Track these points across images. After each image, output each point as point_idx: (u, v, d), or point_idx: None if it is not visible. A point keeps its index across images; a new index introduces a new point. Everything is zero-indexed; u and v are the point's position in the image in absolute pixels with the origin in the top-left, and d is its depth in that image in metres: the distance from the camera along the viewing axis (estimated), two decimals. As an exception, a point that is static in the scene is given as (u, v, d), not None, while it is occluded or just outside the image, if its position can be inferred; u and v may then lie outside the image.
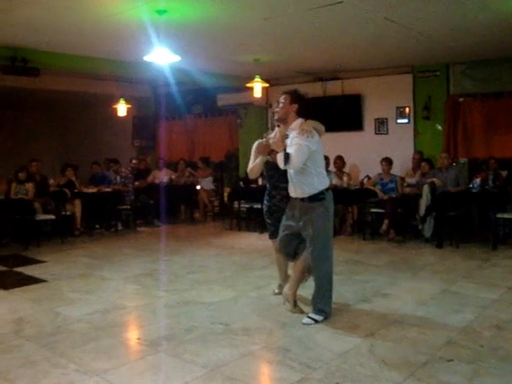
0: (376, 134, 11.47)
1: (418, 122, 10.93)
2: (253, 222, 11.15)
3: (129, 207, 11.55)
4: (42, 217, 9.95)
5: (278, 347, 4.55)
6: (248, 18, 7.16)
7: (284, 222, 5.32)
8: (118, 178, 11.69)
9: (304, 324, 5.06)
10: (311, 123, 5.06)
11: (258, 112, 13.00)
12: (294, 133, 4.99)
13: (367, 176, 10.42)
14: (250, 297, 6.11)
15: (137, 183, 12.00)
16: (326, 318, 5.13)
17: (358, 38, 8.40)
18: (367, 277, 6.95)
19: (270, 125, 12.98)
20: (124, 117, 13.15)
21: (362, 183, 10.45)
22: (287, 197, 5.34)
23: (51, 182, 11.05)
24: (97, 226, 11.24)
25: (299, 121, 5.04)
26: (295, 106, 5.04)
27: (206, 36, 8.07)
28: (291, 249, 5.35)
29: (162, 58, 7.39)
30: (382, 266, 7.54)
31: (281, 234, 5.37)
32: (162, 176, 12.56)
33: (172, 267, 7.78)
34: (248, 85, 10.94)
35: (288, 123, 5.10)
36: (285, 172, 5.19)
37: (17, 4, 6.34)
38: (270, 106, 12.78)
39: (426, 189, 9.05)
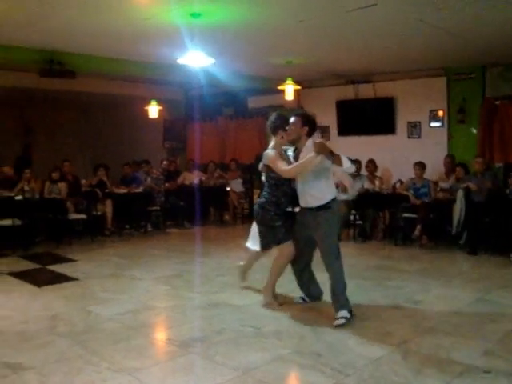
0: (409, 137, 11.35)
1: (452, 125, 10.76)
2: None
3: (159, 208, 11.60)
4: (73, 216, 10.07)
5: (309, 352, 4.50)
6: (282, 20, 7.13)
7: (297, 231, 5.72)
8: (149, 179, 11.74)
9: (336, 326, 5.11)
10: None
11: (289, 114, 12.93)
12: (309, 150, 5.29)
13: (399, 180, 10.32)
14: (281, 300, 6.04)
15: (167, 184, 12.05)
16: (350, 312, 5.29)
17: (391, 40, 8.31)
18: (399, 283, 6.85)
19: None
20: (155, 118, 13.24)
21: (394, 187, 10.34)
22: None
23: (83, 182, 11.16)
24: (127, 227, 11.31)
25: (310, 142, 5.38)
26: (306, 129, 5.48)
27: (239, 38, 8.07)
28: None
29: (195, 60, 7.40)
30: (413, 272, 7.43)
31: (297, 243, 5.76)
32: (192, 178, 12.58)
33: (202, 269, 7.79)
34: (280, 87, 10.91)
35: (300, 144, 5.53)
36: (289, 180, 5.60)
37: (53, 9, 6.43)
38: (302, 108, 12.74)
39: (460, 194, 8.90)
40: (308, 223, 5.52)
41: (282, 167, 5.41)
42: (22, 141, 15.31)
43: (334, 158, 5.13)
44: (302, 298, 6.02)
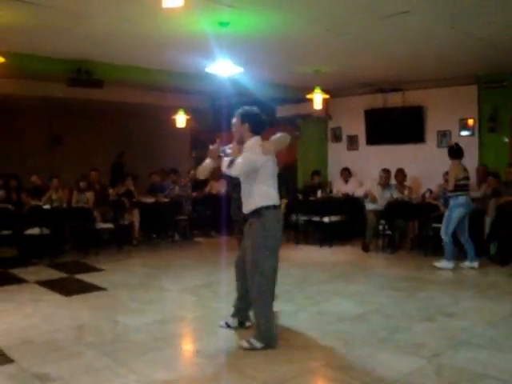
0: (438, 146, 11.20)
1: (483, 134, 10.59)
2: (311, 234, 11.00)
3: (186, 217, 11.58)
4: (101, 225, 10.10)
5: (339, 365, 4.42)
6: (311, 30, 7.09)
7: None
8: (177, 188, 11.75)
9: (243, 347, 4.79)
10: (273, 141, 5.13)
11: (317, 123, 12.89)
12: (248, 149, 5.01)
13: (429, 190, 10.15)
14: (310, 312, 5.99)
15: (194, 194, 12.05)
16: (265, 347, 4.78)
17: (421, 48, 8.22)
18: (430, 294, 6.71)
19: (329, 136, 12.87)
20: (182, 128, 13.26)
21: (423, 197, 10.18)
22: None
23: (110, 191, 11.20)
24: (154, 236, 11.31)
25: (254, 139, 5.02)
26: (246, 125, 5.04)
27: (267, 47, 8.05)
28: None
29: (224, 69, 7.38)
30: (445, 284, 7.30)
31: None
32: (220, 187, 12.54)
33: (229, 279, 7.67)
34: (308, 96, 10.84)
35: (246, 141, 5.07)
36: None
37: (81, 19, 6.49)
38: (330, 117, 12.69)
39: (491, 204, 8.72)
40: (245, 231, 5.08)
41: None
42: (117, 149, 15.51)
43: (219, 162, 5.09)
44: (227, 323, 5.46)
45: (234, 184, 5.45)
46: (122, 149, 15.66)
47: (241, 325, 5.38)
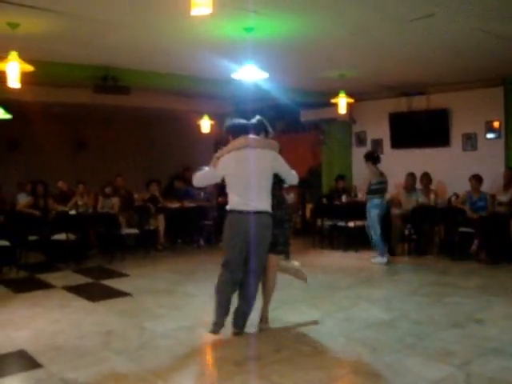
0: (464, 149, 11.09)
1: (510, 136, 10.45)
2: (336, 239, 10.95)
3: (211, 223, 11.59)
4: (126, 231, 10.15)
5: (367, 372, 4.38)
6: (335, 34, 7.07)
7: None
8: (202, 193, 11.76)
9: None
10: (228, 147, 5.36)
11: (342, 128, 12.83)
12: None
13: (455, 194, 10.05)
14: (337, 318, 5.94)
15: (220, 199, 12.04)
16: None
17: (447, 51, 8.13)
18: (458, 300, 6.63)
19: (354, 140, 12.80)
20: (207, 133, 13.29)
21: (449, 201, 10.08)
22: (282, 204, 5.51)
23: (136, 196, 11.26)
24: (179, 241, 11.34)
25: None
26: (230, 137, 5.40)
27: (291, 52, 8.04)
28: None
29: (249, 74, 7.38)
30: (473, 289, 7.19)
31: None
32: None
33: (255, 284, 7.70)
34: (332, 101, 10.80)
35: None
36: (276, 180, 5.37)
37: (108, 27, 6.55)
38: (354, 121, 12.63)
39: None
40: None
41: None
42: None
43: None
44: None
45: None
46: (149, 155, 15.76)
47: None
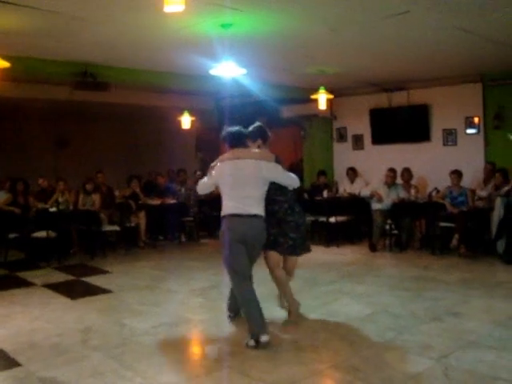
0: (444, 145, 11.17)
1: (489, 132, 10.55)
2: (318, 235, 10.96)
3: (192, 219, 11.57)
4: (107, 228, 10.10)
5: (347, 366, 4.39)
6: (314, 30, 7.06)
7: None
8: (183, 189, 11.74)
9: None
10: (220, 157, 5.52)
11: (323, 123, 12.87)
12: None
13: (435, 189, 10.11)
14: (318, 312, 5.96)
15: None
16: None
17: (425, 48, 8.18)
18: (438, 294, 6.67)
19: (334, 136, 12.82)
20: (188, 129, 13.26)
21: (430, 196, 10.14)
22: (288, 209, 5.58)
23: (117, 193, 11.20)
24: (160, 238, 11.31)
25: (229, 153, 5.44)
26: (226, 144, 5.52)
27: (270, 48, 8.03)
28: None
29: (228, 71, 7.37)
30: (453, 283, 7.24)
31: None
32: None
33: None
34: (312, 96, 10.83)
35: None
36: (279, 186, 5.46)
37: (86, 23, 6.48)
38: (335, 117, 12.66)
39: (498, 202, 8.68)
40: None
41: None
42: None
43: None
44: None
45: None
46: (129, 151, 15.71)
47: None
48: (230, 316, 5.72)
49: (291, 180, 5.50)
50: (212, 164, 5.52)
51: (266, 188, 5.29)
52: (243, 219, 5.20)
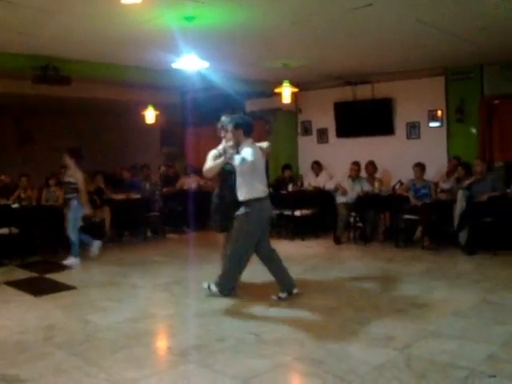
0: (408, 138, 11.30)
1: (451, 125, 10.71)
2: (283, 228, 11.00)
3: (157, 214, 11.51)
4: (71, 223, 9.95)
5: (310, 359, 4.43)
6: (276, 23, 7.06)
7: None
8: (148, 184, 11.66)
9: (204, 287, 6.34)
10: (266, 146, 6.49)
11: (287, 117, 12.89)
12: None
13: (399, 182, 10.22)
14: (282, 306, 5.98)
15: (165, 190, 11.97)
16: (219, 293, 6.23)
17: (388, 41, 8.25)
18: (401, 286, 6.77)
19: (299, 130, 12.87)
20: (152, 124, 13.17)
21: (394, 189, 10.24)
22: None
23: (81, 188, 11.05)
24: (126, 233, 11.22)
25: (249, 141, 6.11)
26: (240, 131, 6.08)
27: (234, 42, 8.00)
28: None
29: (190, 64, 7.34)
30: (416, 275, 7.33)
31: None
32: (190, 182, 12.48)
33: (201, 275, 7.67)
34: (277, 90, 10.84)
35: (242, 144, 6.10)
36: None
37: (48, 16, 6.37)
38: (300, 111, 12.70)
39: (460, 194, 8.81)
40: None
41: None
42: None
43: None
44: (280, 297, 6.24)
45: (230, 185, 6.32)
46: (93, 146, 15.54)
47: (290, 294, 6.22)
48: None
49: None
50: (229, 144, 6.07)
51: None
52: (268, 201, 6.19)
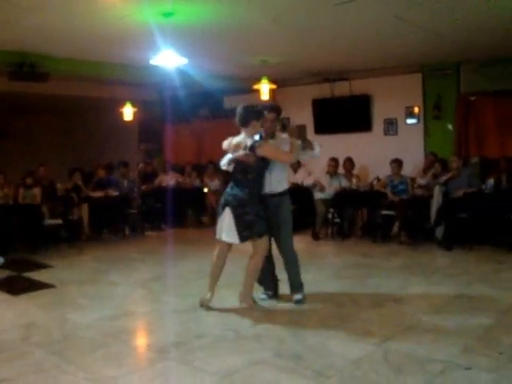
0: (385, 134, 11.39)
1: (428, 121, 10.83)
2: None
3: (136, 211, 11.46)
4: (49, 221, 9.89)
5: (290, 354, 4.45)
6: (255, 19, 7.09)
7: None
8: (126, 182, 11.60)
9: (296, 302, 5.84)
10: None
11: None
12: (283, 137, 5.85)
13: (377, 178, 10.31)
14: (261, 302, 5.99)
15: (143, 187, 11.92)
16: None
17: (366, 37, 8.30)
18: (379, 281, 6.83)
19: (278, 126, 12.86)
20: (130, 120, 13.11)
21: (371, 185, 10.33)
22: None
23: (58, 186, 10.97)
24: (104, 231, 11.17)
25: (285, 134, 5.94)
26: (255, 122, 5.68)
27: (212, 38, 8.01)
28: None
29: (168, 61, 7.32)
30: (393, 270, 7.42)
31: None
32: (169, 179, 12.45)
33: (180, 272, 7.70)
34: (255, 86, 10.85)
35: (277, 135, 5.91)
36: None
37: (25, 11, 6.32)
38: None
39: (437, 190, 8.92)
40: (271, 209, 5.78)
41: (285, 155, 5.70)
42: None
43: (306, 142, 5.80)
44: (267, 293, 6.16)
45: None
46: (71, 143, 15.46)
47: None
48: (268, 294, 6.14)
49: None
50: (284, 137, 5.81)
51: None
52: None
